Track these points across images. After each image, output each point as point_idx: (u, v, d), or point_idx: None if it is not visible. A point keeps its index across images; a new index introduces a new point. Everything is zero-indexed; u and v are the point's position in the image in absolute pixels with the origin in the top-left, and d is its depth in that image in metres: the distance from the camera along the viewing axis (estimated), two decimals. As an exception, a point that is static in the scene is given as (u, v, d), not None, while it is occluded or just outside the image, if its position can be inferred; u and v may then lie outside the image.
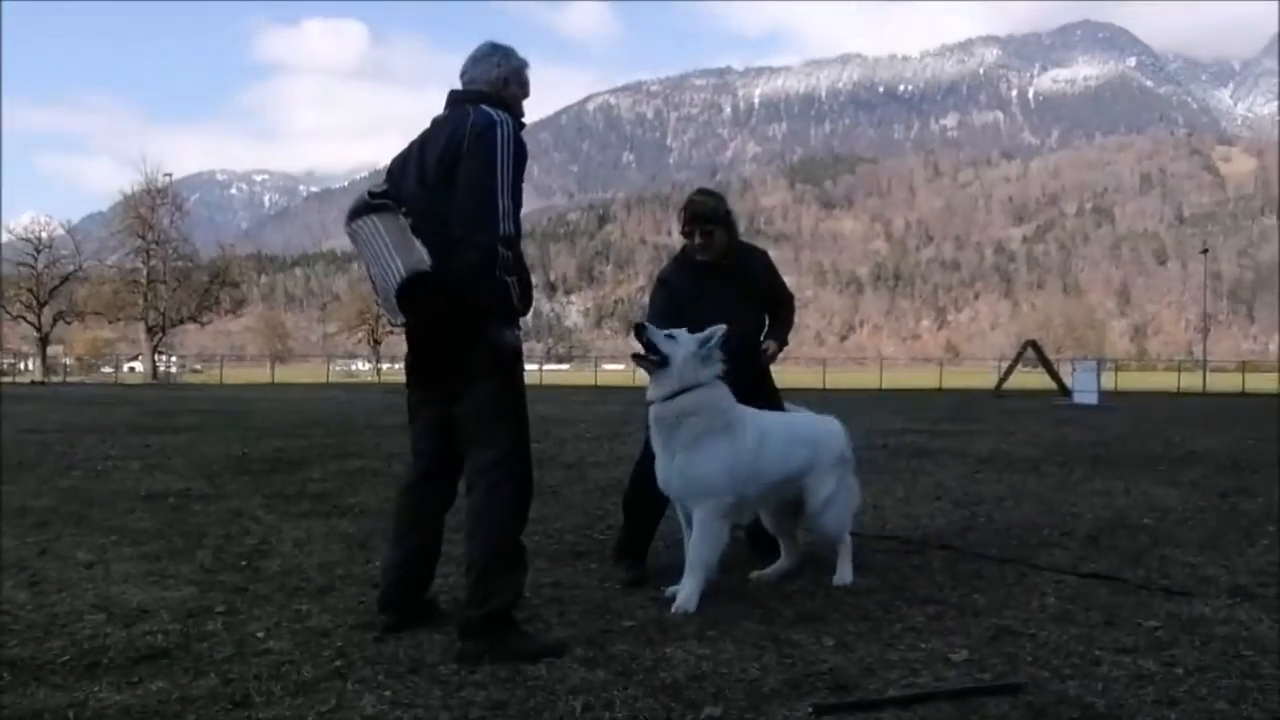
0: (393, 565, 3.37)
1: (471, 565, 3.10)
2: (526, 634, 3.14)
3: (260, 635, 3.21)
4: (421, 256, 3.03)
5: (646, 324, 3.74)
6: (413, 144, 3.33)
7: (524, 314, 3.22)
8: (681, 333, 3.72)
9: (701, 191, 4.37)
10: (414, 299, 3.05)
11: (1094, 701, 2.65)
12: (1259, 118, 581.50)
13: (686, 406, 3.64)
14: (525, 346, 3.37)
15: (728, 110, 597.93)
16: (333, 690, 2.70)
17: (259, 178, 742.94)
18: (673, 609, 3.55)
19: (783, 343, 4.40)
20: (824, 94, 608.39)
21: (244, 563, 4.34)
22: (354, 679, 2.80)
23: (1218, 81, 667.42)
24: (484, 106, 3.18)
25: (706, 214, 4.21)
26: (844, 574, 4.01)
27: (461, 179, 3.06)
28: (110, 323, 58.87)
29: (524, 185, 3.24)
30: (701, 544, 3.64)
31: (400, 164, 3.33)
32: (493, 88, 3.30)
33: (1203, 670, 2.92)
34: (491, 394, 3.15)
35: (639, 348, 3.68)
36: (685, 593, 3.61)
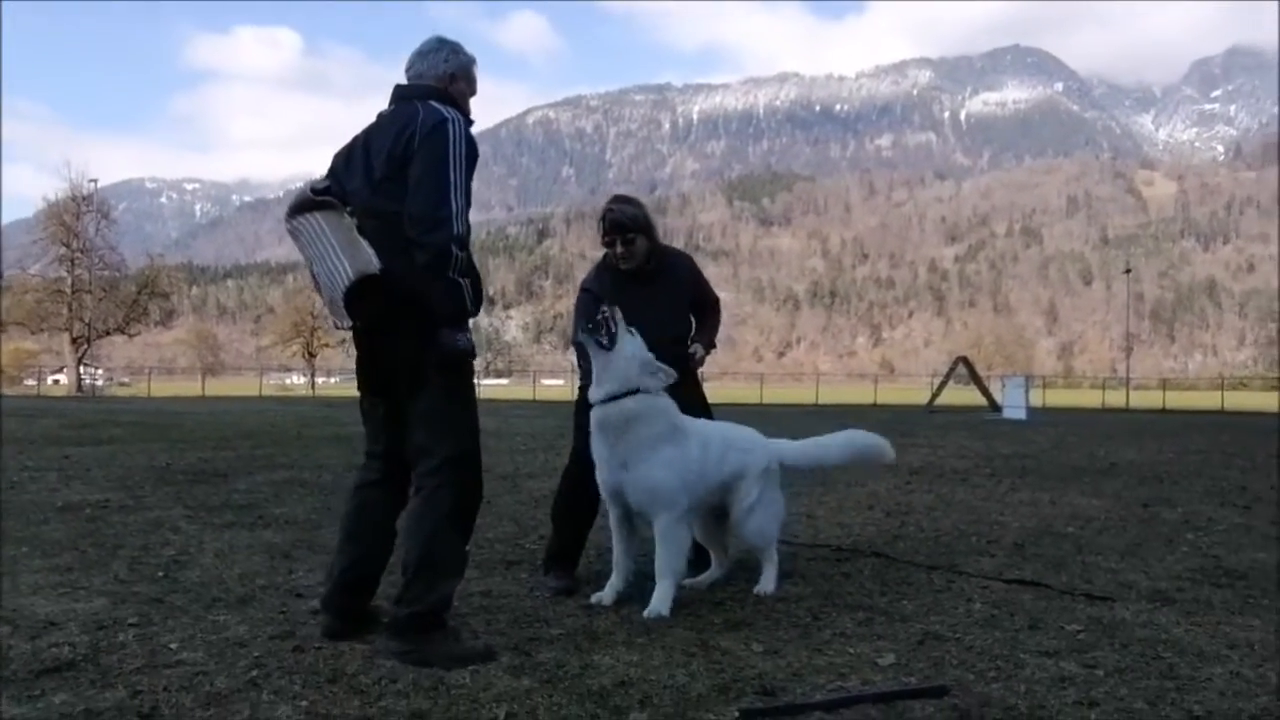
0: (339, 569, 3.27)
1: (406, 566, 3.05)
2: (455, 636, 3.09)
3: (173, 646, 3.09)
4: (369, 258, 2.96)
5: (614, 307, 3.70)
6: (356, 139, 3.24)
7: (475, 315, 3.16)
8: (639, 337, 3.72)
9: (619, 199, 4.28)
10: (362, 302, 2.98)
11: (1017, 703, 2.68)
12: (1179, 143, 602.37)
13: (631, 411, 3.61)
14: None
15: (667, 126, 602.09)
16: (246, 701, 2.61)
17: (190, 186, 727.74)
18: (645, 614, 3.53)
19: (709, 346, 4.38)
20: (762, 112, 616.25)
21: (161, 574, 4.19)
22: (269, 690, 2.71)
23: (1140, 107, 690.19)
24: (433, 103, 3.11)
25: (626, 222, 4.14)
26: (767, 584, 3.98)
27: (413, 178, 2.98)
28: (33, 334, 56.87)
29: None
30: (667, 551, 3.62)
31: (344, 159, 3.23)
32: (440, 83, 3.23)
33: (1122, 672, 2.96)
34: (441, 398, 3.09)
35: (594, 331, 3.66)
36: (658, 597, 3.58)
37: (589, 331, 3.68)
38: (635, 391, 3.64)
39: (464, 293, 3.02)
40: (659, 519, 3.64)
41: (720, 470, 3.88)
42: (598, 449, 3.72)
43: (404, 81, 3.29)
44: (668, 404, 3.73)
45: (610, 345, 3.64)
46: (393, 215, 3.00)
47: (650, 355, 3.71)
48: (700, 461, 3.75)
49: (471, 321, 3.20)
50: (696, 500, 3.80)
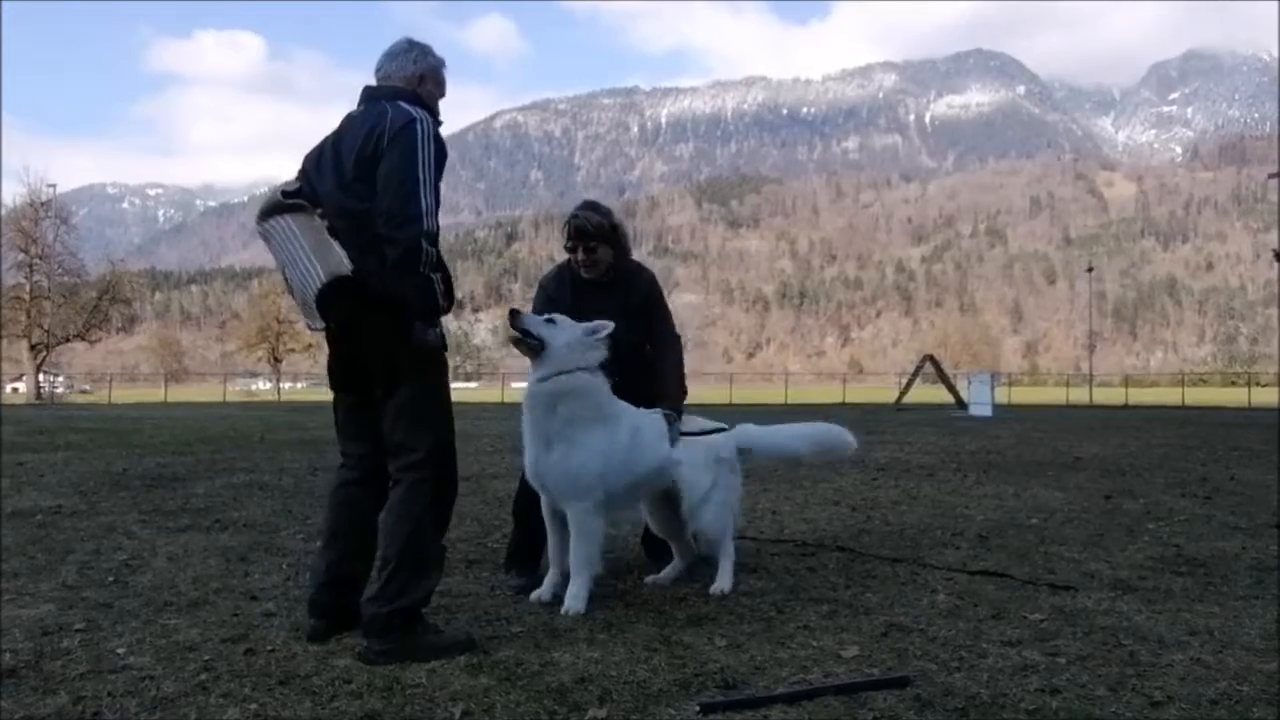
0: (325, 565, 3.24)
1: (385, 561, 3.02)
2: (434, 630, 3.06)
3: (120, 651, 3.01)
4: (341, 260, 2.96)
5: (520, 310, 3.65)
6: (326, 140, 3.24)
7: (447, 312, 3.15)
8: (561, 317, 3.66)
9: (587, 205, 4.21)
10: (334, 303, 2.98)
11: (979, 692, 2.66)
12: (1138, 144, 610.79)
13: (562, 387, 3.55)
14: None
15: (635, 129, 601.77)
16: (194, 705, 2.54)
17: (153, 191, 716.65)
18: (563, 610, 3.47)
19: (677, 400, 4.07)
20: (730, 115, 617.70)
21: (111, 579, 4.09)
22: (218, 693, 2.63)
23: (1100, 110, 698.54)
24: (401, 103, 3.11)
25: (590, 230, 4.06)
26: (723, 582, 3.89)
27: (382, 176, 2.98)
28: (-10, 341, 55.84)
29: None
30: (580, 542, 3.55)
31: (314, 161, 3.22)
32: (409, 84, 3.23)
33: (1084, 659, 2.96)
34: (415, 394, 3.08)
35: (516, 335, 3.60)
36: (572, 593, 3.52)
37: (517, 343, 3.61)
38: (570, 371, 3.57)
39: (435, 288, 3.03)
40: (571, 508, 3.56)
41: (656, 458, 3.78)
42: (525, 428, 3.63)
43: (373, 83, 3.29)
44: (601, 384, 3.65)
45: (542, 346, 3.58)
46: (364, 215, 3.00)
47: (582, 329, 3.62)
48: (628, 448, 3.65)
49: (442, 320, 3.18)
50: (623, 489, 3.70)
